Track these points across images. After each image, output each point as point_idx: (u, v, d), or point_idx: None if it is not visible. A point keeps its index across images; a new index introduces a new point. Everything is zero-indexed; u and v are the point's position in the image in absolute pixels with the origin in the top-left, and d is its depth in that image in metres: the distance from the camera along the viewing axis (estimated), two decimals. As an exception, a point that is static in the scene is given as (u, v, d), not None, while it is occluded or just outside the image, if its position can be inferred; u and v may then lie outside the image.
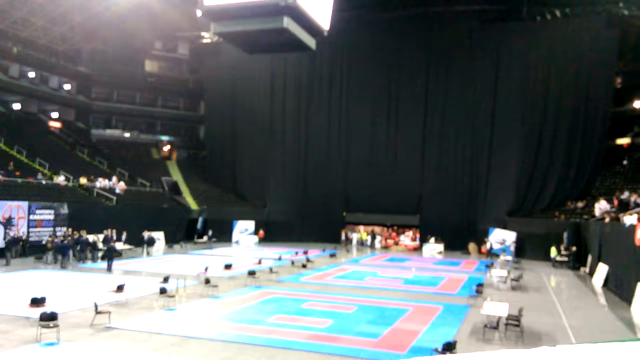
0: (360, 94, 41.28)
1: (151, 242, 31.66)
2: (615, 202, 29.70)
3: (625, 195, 29.97)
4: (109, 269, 23.21)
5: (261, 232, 41.03)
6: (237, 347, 11.79)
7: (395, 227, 41.63)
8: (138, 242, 30.73)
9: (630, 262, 18.24)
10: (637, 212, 22.96)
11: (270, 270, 23.24)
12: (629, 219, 21.85)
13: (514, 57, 37.22)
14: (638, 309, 16.50)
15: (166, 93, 51.68)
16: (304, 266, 26.05)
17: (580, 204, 34.14)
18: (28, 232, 27.00)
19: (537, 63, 36.45)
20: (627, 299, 17.90)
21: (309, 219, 41.66)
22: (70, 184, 34.12)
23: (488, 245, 34.26)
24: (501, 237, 34.57)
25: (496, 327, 13.59)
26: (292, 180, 42.62)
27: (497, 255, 32.07)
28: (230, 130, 44.87)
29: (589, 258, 27.04)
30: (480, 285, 19.12)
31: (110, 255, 23.84)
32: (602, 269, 22.86)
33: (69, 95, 47.20)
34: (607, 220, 26.39)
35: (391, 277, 24.39)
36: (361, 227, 42.24)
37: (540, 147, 36.57)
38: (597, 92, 35.64)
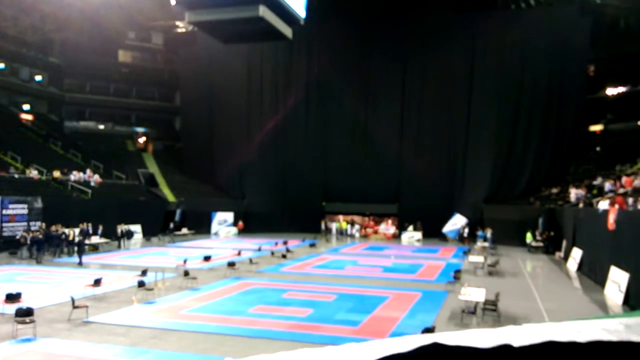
0: (337, 84, 41.25)
1: (129, 235, 31.31)
2: (584, 188, 30.44)
3: (598, 181, 30.67)
4: (80, 262, 22.99)
5: (240, 223, 40.88)
6: (217, 338, 11.79)
7: (374, 216, 41.88)
8: (115, 235, 30.34)
9: (603, 246, 18.69)
10: (610, 198, 23.53)
11: (250, 261, 23.18)
12: (602, 204, 22.40)
13: (489, 45, 37.59)
14: (611, 291, 16.93)
15: (141, 84, 50.85)
16: (283, 256, 26.06)
17: (554, 190, 34.82)
18: (1, 227, 26.43)
19: (512, 51, 36.85)
20: (601, 282, 18.36)
21: (288, 209, 41.66)
22: (44, 177, 33.48)
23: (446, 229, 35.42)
24: (453, 221, 35.50)
25: (474, 312, 13.85)
26: (271, 170, 42.43)
27: (447, 239, 34.82)
28: (207, 121, 44.40)
29: (564, 243, 27.61)
30: (458, 271, 19.39)
31: (80, 249, 23.49)
32: (577, 254, 23.40)
33: (41, 87, 46.18)
34: (581, 205, 26.98)
35: (371, 265, 24.59)
36: (340, 217, 42.40)
37: (515, 135, 37.16)
38: (571, 79, 36.29)
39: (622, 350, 1.03)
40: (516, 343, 1.03)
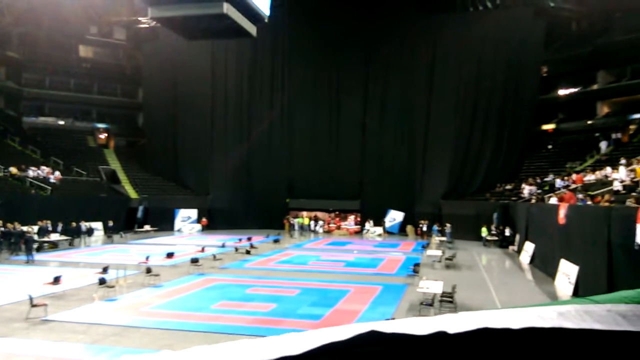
0: (302, 81, 41.48)
1: (89, 232, 30.78)
2: (532, 184, 31.71)
3: (550, 177, 31.92)
4: (31, 259, 22.65)
5: (204, 220, 40.61)
6: (180, 334, 11.84)
7: (338, 212, 42.31)
8: (75, 232, 29.78)
9: (554, 240, 19.51)
10: (561, 194, 24.57)
11: (214, 257, 23.23)
12: (554, 200, 23.37)
13: (448, 46, 38.46)
14: (561, 283, 17.73)
15: (102, 79, 49.75)
16: (247, 252, 26.18)
17: (508, 186, 36.03)
18: (-44, 225, 25.65)
19: (470, 53, 37.80)
20: (552, 274, 19.19)
21: (252, 205, 41.63)
22: (1, 174, 32.59)
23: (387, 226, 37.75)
24: (392, 217, 37.70)
25: (431, 304, 14.33)
26: (235, 167, 42.31)
27: (390, 233, 37.37)
28: (170, 117, 43.84)
29: (517, 237, 28.60)
30: (417, 265, 19.92)
31: (29, 246, 23.07)
32: (529, 247, 24.31)
33: (-3, 82, 44.65)
34: (533, 201, 28.00)
35: (333, 260, 24.97)
36: (304, 213, 42.63)
37: (472, 133, 38.23)
38: (525, 80, 37.60)
39: (554, 335, 1.10)
40: (451, 330, 1.09)
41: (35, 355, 10.25)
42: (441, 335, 1.09)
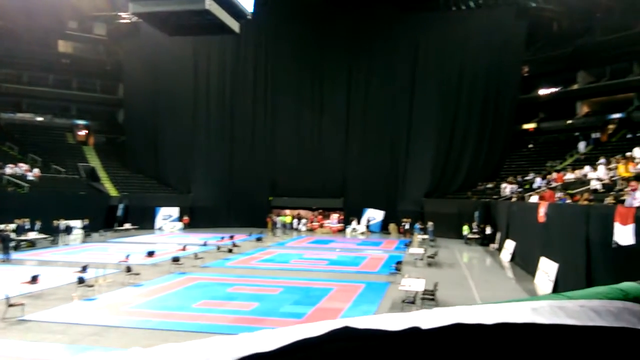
0: (284, 79, 41.45)
1: (68, 230, 30.33)
2: (511, 182, 32.15)
3: (530, 176, 32.33)
4: (8, 258, 22.36)
5: (186, 218, 40.29)
6: (160, 334, 11.74)
7: (321, 211, 42.34)
8: (54, 231, 29.33)
9: (534, 238, 19.76)
10: (541, 192, 24.89)
11: (195, 256, 23.04)
12: (534, 199, 23.68)
13: (430, 46, 38.75)
14: (541, 280, 17.96)
15: (82, 75, 49.03)
16: (230, 251, 26.05)
17: (490, 185, 36.42)
18: None
19: (452, 52, 38.12)
20: (532, 271, 19.44)
21: (234, 204, 41.46)
22: (-23, 171, 31.92)
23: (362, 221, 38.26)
24: (371, 216, 38.34)
25: (413, 302, 14.42)
26: (217, 165, 42.05)
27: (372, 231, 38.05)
28: (151, 114, 43.30)
29: (498, 235, 28.90)
30: (399, 263, 20.06)
31: (6, 245, 22.71)
32: (510, 245, 24.60)
33: (-27, 77, 43.77)
34: (514, 199, 28.33)
35: (316, 258, 24.97)
36: (287, 211, 42.58)
37: (454, 132, 38.56)
38: (507, 80, 38.03)
39: (527, 331, 1.09)
40: (425, 325, 1.06)
41: (12, 356, 10.09)
42: (414, 331, 1.07)
